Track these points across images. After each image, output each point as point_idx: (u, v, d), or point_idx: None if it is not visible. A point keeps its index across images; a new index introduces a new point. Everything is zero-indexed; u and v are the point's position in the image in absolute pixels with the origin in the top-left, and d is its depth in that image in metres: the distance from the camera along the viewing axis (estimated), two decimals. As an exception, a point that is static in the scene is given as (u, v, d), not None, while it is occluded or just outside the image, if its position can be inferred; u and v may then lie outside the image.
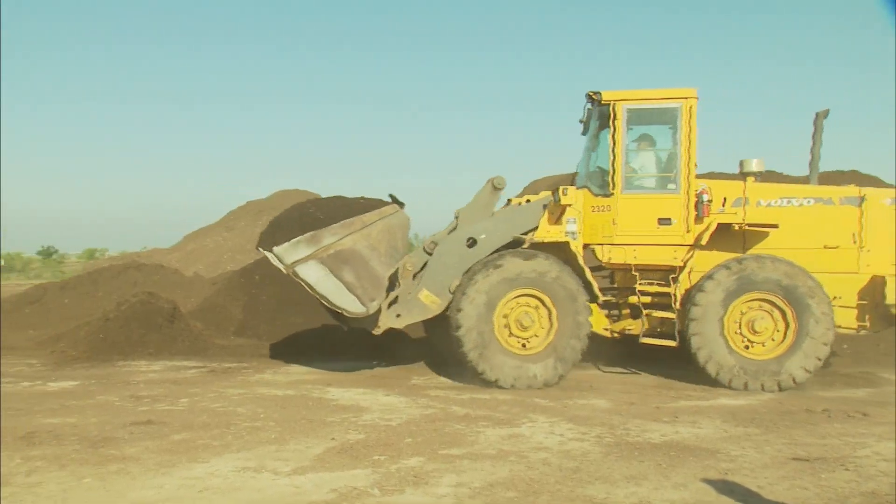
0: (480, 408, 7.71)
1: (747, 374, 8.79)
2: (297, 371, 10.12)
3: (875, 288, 9.14)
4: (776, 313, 8.88)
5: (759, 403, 8.13)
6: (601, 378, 9.69)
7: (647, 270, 9.41)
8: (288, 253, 8.40)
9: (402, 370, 10.23)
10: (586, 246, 9.62)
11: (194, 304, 14.42)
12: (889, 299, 8.94)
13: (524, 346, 9.03)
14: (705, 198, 9.22)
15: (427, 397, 8.27)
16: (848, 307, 9.15)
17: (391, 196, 9.72)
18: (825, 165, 11.26)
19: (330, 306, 8.68)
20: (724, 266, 8.92)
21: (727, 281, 8.85)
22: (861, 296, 9.21)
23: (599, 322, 9.75)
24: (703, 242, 9.06)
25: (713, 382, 8.87)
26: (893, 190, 9.43)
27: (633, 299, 9.55)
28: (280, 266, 8.43)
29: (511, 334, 9.03)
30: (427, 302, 9.31)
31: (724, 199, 9.35)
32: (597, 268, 9.94)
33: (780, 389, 8.72)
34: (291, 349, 11.51)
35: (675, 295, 9.19)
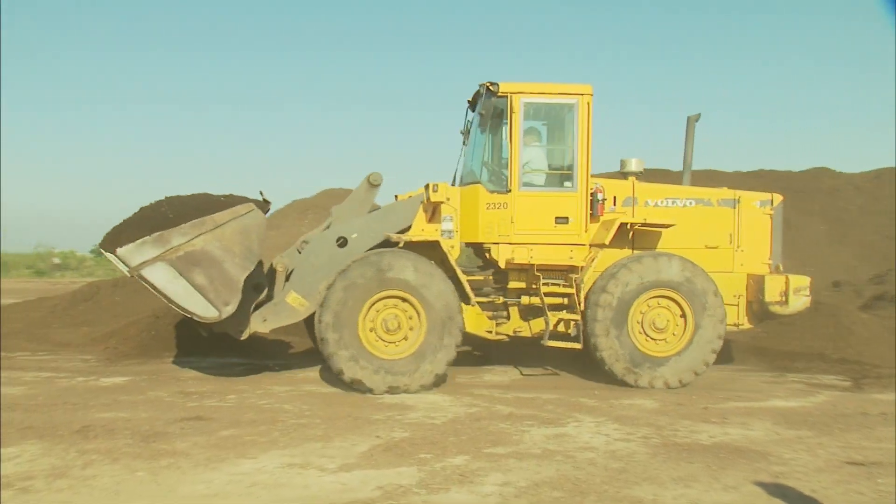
0: (525, 407, 7.68)
1: (651, 370, 8.79)
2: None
3: (750, 286, 9.43)
4: (676, 310, 8.91)
5: (812, 406, 7.95)
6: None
7: (543, 270, 9.10)
8: (132, 255, 7.76)
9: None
10: (479, 245, 9.35)
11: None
12: (768, 297, 9.18)
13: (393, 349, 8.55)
14: (600, 196, 9.14)
15: (471, 396, 8.26)
16: (727, 305, 9.14)
17: (260, 193, 9.02)
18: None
19: (180, 311, 8.12)
20: (624, 265, 8.85)
21: (629, 280, 8.78)
22: (737, 294, 9.44)
23: (480, 324, 9.40)
24: (606, 242, 8.94)
25: (621, 382, 8.81)
26: (764, 193, 9.74)
27: (528, 300, 9.22)
28: (124, 269, 7.83)
29: (378, 338, 8.52)
30: (295, 304, 8.88)
31: (615, 198, 9.32)
32: (481, 268, 9.69)
33: (682, 385, 8.82)
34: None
35: (577, 296, 8.95)
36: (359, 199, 9.55)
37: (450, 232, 9.22)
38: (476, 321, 9.36)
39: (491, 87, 9.09)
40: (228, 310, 8.06)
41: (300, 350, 11.59)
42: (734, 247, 9.45)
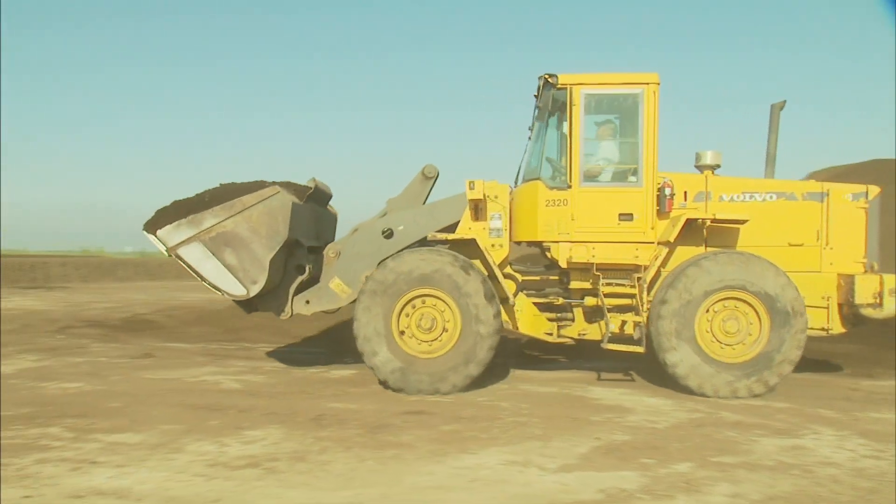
0: (754, 415, 7.19)
1: (718, 377, 8.07)
2: (558, 368, 10.14)
3: (840, 287, 8.60)
4: (750, 313, 8.16)
5: None
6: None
7: (607, 270, 8.59)
8: (170, 235, 8.45)
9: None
10: (539, 244, 8.91)
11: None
12: (859, 299, 8.36)
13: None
14: (668, 191, 8.48)
15: (693, 401, 7.87)
16: (814, 307, 8.46)
17: (313, 180, 9.26)
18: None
19: (212, 289, 8.58)
20: (695, 263, 8.19)
21: (697, 279, 8.12)
22: (825, 296, 8.63)
23: (538, 326, 9.08)
24: (671, 239, 8.38)
25: (684, 388, 8.14)
26: (857, 185, 8.87)
27: (592, 301, 8.72)
28: (163, 249, 8.49)
29: (413, 336, 8.41)
30: (337, 290, 9.04)
31: (685, 194, 8.68)
32: (547, 267, 9.22)
33: (753, 395, 8.04)
34: (552, 348, 11.54)
35: (640, 296, 8.36)
36: (413, 191, 9.52)
37: (498, 230, 8.99)
38: (533, 322, 9.15)
39: (550, 80, 8.69)
40: (256, 288, 8.53)
41: (515, 350, 11.68)
42: (822, 244, 8.66)
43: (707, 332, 8.19)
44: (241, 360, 10.68)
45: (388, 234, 9.14)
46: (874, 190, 8.81)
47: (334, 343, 12.15)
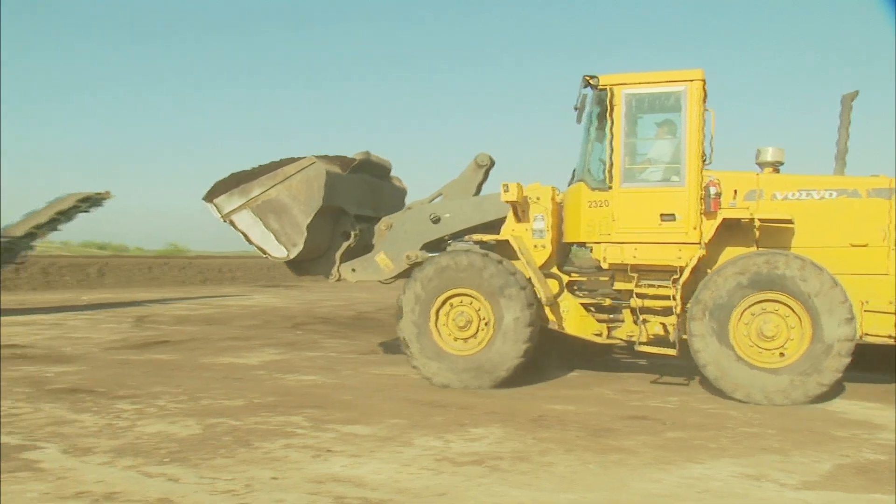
0: None
1: (753, 382, 7.59)
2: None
3: None
4: (790, 317, 7.62)
5: None
6: None
7: (648, 271, 8.39)
8: (224, 203, 9.65)
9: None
10: (583, 245, 8.96)
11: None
12: None
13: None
14: (713, 191, 8.06)
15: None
16: (879, 312, 7.79)
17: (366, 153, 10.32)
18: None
19: (259, 251, 9.69)
20: (732, 262, 7.85)
21: (735, 278, 7.74)
22: (892, 300, 7.79)
23: (586, 326, 9.07)
24: (707, 240, 8.06)
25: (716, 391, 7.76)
26: None
27: (637, 302, 8.46)
28: (217, 216, 9.65)
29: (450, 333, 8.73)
30: (382, 264, 9.72)
31: (734, 192, 8.20)
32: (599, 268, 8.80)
33: (791, 403, 7.44)
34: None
35: (675, 297, 8.09)
36: (465, 179, 9.99)
37: (541, 231, 9.08)
38: (581, 323, 9.11)
39: (591, 81, 8.52)
40: (295, 251, 9.53)
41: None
42: (889, 245, 7.91)
43: (745, 335, 7.79)
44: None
45: (435, 219, 9.67)
46: None
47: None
